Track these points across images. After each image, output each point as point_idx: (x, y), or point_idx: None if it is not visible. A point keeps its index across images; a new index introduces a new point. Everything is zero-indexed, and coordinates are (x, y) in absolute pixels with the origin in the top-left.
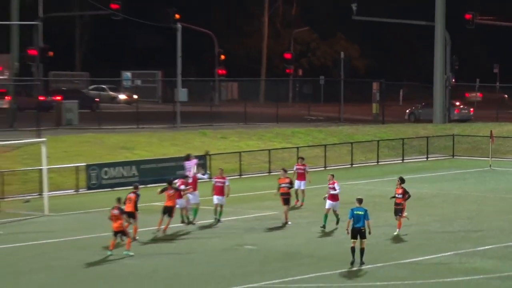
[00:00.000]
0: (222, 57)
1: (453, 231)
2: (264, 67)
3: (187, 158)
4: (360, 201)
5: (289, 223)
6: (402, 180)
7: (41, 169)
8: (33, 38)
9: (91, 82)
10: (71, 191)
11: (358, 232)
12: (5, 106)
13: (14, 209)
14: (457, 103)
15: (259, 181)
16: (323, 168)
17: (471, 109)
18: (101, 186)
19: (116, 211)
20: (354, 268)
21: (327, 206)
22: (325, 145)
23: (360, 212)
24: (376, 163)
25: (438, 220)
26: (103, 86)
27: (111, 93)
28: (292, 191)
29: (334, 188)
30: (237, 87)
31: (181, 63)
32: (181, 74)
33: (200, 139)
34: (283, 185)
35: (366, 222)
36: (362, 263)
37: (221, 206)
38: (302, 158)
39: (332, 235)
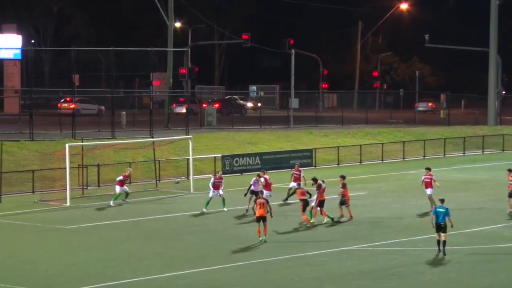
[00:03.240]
0: (325, 72)
1: (503, 208)
2: (357, 82)
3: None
4: (442, 200)
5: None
6: (510, 171)
7: (188, 159)
8: (184, 60)
9: (226, 94)
10: (210, 175)
11: (440, 227)
12: (183, 111)
13: (168, 188)
14: None
15: (352, 168)
16: (401, 160)
17: None
18: (233, 172)
19: (262, 200)
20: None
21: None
22: (403, 142)
23: (442, 210)
24: (443, 156)
25: (491, 199)
26: (235, 96)
27: (241, 102)
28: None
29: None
30: (336, 97)
31: (294, 79)
32: (294, 87)
33: (307, 137)
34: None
35: (447, 218)
36: (444, 254)
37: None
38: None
39: (410, 211)
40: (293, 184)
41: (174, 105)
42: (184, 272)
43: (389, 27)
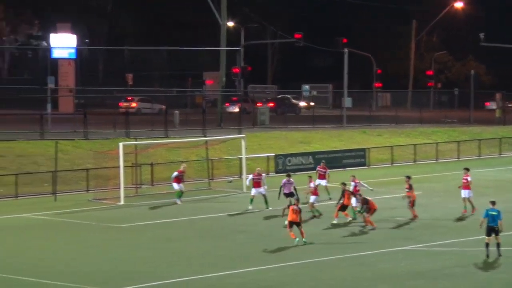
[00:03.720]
0: (379, 71)
1: None
2: (411, 81)
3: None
4: (493, 203)
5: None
6: None
7: (241, 158)
8: (236, 59)
9: (278, 93)
10: (263, 175)
11: (492, 230)
12: (236, 110)
13: (220, 187)
14: None
15: (406, 168)
16: (456, 159)
17: None
18: (285, 171)
19: (296, 207)
20: (490, 261)
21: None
22: (458, 141)
23: (494, 213)
24: (498, 155)
25: None
26: (287, 96)
27: (293, 101)
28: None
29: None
30: (390, 96)
31: (347, 78)
32: (347, 86)
33: (361, 136)
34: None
35: (499, 221)
36: (499, 255)
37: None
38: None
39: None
40: (318, 182)
41: (226, 104)
42: (238, 271)
43: (443, 26)
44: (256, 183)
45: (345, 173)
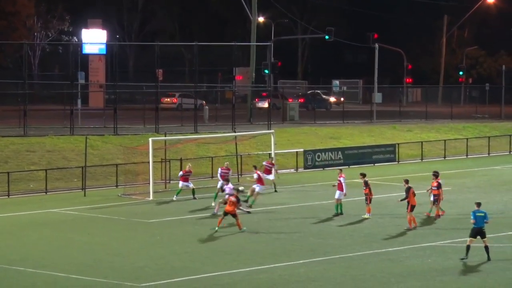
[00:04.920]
0: (410, 67)
1: None
2: (442, 76)
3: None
4: (479, 204)
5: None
6: None
7: (270, 153)
8: (267, 54)
9: (309, 88)
10: (292, 170)
11: (478, 232)
12: (265, 105)
13: (249, 183)
14: None
15: (437, 164)
16: (487, 155)
17: None
18: (315, 167)
19: (234, 199)
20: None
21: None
22: (489, 137)
23: (481, 214)
24: None
25: None
26: (318, 91)
27: (324, 96)
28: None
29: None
30: (420, 92)
31: (377, 73)
32: (377, 82)
33: (390, 132)
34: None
35: (485, 222)
36: (488, 259)
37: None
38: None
39: (496, 207)
40: (265, 176)
41: (256, 99)
42: (267, 266)
43: (475, 21)
44: (223, 176)
45: (375, 168)
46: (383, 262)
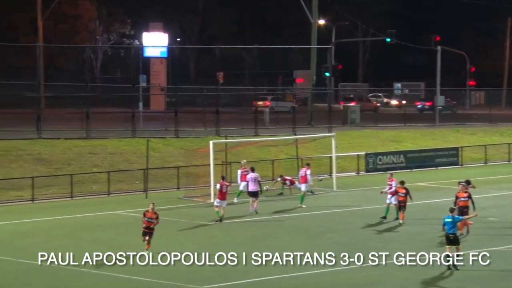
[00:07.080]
0: (473, 69)
1: None
2: (505, 79)
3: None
4: (452, 210)
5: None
6: None
7: (331, 156)
8: (327, 57)
9: (370, 91)
10: (353, 173)
11: (448, 239)
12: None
13: (310, 186)
14: None
15: (500, 167)
16: None
17: None
18: (376, 170)
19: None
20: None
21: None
22: None
23: (449, 220)
24: None
25: None
26: (379, 94)
27: (385, 99)
28: None
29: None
30: (483, 95)
31: (440, 76)
32: (439, 85)
33: (453, 135)
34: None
35: (459, 223)
36: (455, 266)
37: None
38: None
39: None
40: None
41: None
42: (325, 270)
43: None
44: (243, 176)
45: (438, 172)
46: (444, 266)
